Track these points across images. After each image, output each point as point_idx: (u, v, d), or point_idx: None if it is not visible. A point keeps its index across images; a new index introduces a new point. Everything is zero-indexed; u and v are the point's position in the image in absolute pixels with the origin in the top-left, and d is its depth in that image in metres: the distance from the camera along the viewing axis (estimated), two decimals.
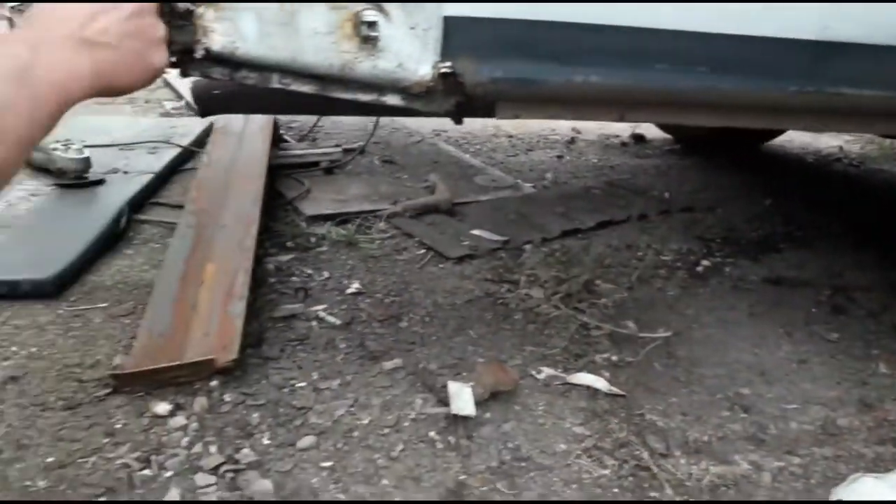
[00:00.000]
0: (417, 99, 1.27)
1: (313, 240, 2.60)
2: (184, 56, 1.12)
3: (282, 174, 3.12)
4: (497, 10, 1.17)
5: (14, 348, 1.79)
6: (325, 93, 1.26)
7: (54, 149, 2.62)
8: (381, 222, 2.77)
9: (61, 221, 2.39)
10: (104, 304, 2.03)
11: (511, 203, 3.05)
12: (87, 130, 3.15)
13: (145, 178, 2.83)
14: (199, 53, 1.12)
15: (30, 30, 0.84)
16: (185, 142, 3.38)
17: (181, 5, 1.08)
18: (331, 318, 2.03)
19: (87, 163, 2.65)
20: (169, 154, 3.20)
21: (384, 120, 4.06)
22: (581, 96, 1.29)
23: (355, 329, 1.99)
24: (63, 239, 2.20)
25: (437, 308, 2.15)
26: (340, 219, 2.76)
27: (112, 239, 2.44)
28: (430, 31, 1.17)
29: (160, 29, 0.97)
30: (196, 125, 3.57)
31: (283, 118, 3.79)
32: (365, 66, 1.18)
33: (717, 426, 1.65)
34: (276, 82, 1.23)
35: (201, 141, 3.42)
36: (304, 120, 3.99)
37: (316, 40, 1.15)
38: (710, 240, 2.80)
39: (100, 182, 2.69)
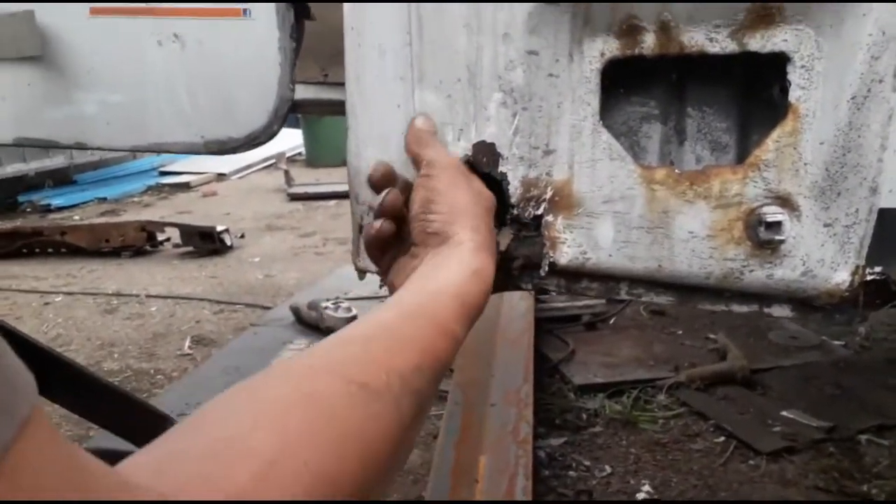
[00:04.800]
0: (817, 311, 0.93)
1: (585, 416, 2.26)
2: (522, 270, 0.89)
3: (542, 329, 2.86)
4: None
5: None
6: (684, 304, 0.96)
7: (325, 307, 2.62)
8: (662, 394, 2.37)
9: None
10: None
11: (824, 370, 2.49)
12: (354, 282, 3.18)
13: None
14: (543, 270, 0.88)
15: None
16: None
17: (530, 210, 0.86)
18: None
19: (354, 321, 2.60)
20: None
21: None
22: None
23: None
24: None
25: None
26: (613, 389, 2.41)
27: None
28: (853, 229, 0.84)
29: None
30: None
31: None
32: (757, 275, 0.87)
33: None
34: (623, 294, 0.96)
35: None
36: None
37: (691, 246, 0.86)
38: None
39: None
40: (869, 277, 0.86)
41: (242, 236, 4.70)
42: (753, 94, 0.89)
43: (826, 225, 0.84)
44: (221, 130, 1.08)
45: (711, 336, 2.74)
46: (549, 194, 0.87)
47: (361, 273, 0.98)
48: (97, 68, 1.08)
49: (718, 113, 0.92)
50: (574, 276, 0.94)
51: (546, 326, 2.90)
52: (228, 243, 4.41)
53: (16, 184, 6.02)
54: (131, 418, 0.97)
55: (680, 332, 2.89)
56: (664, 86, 0.92)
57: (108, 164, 7.08)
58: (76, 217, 5.67)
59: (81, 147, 1.15)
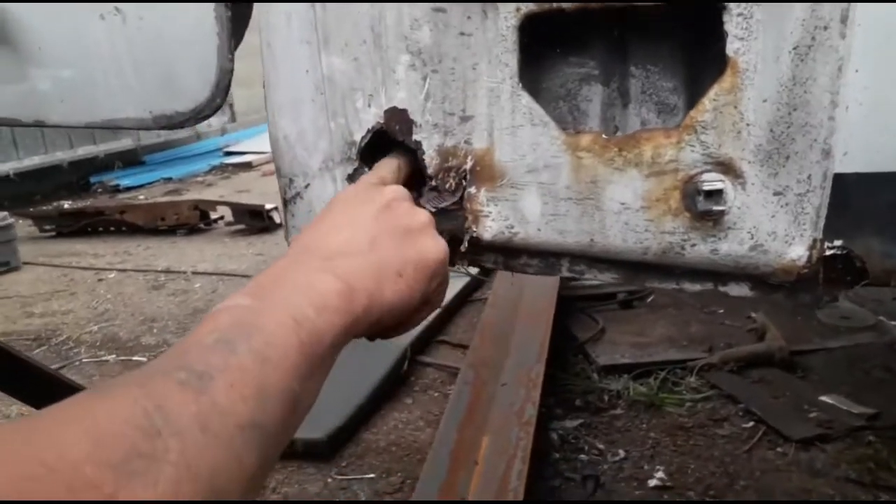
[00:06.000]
0: (776, 289, 0.83)
1: (607, 398, 2.18)
2: (451, 246, 0.84)
3: (574, 308, 2.77)
4: None
5: None
6: (634, 283, 0.88)
7: None
8: (692, 377, 2.25)
9: (340, 366, 2.31)
10: (372, 475, 1.83)
11: (876, 353, 2.31)
12: None
13: (431, 315, 2.69)
14: (463, 246, 0.82)
15: (262, 273, 0.58)
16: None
17: (450, 181, 0.80)
18: None
19: None
20: (459, 283, 3.05)
21: None
22: None
23: None
24: (341, 389, 2.09)
25: None
26: (640, 370, 2.30)
27: (392, 383, 2.29)
28: (806, 197, 0.74)
29: (418, 216, 0.69)
30: None
31: None
32: (700, 249, 0.78)
33: None
34: (565, 271, 0.89)
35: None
36: None
37: (623, 218, 0.79)
38: None
39: None
40: (829, 252, 0.76)
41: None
42: (702, 49, 0.79)
43: (776, 193, 0.75)
44: (168, 105, 1.06)
45: (753, 315, 2.59)
46: (469, 164, 0.80)
47: None
48: (47, 45, 1.08)
49: (664, 72, 0.83)
50: (511, 252, 0.88)
51: (579, 305, 2.80)
52: (277, 221, 4.47)
53: (87, 165, 6.31)
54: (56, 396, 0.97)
55: (721, 311, 2.74)
56: (604, 43, 0.83)
57: (175, 145, 7.31)
58: (142, 196, 5.90)
59: (40, 125, 1.16)
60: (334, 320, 0.54)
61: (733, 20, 0.71)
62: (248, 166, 7.20)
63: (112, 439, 0.38)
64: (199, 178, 6.72)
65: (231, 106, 7.84)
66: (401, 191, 0.68)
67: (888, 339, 2.42)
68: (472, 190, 0.81)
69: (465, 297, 3.03)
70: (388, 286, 0.61)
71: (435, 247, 0.68)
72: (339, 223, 0.64)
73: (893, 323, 2.52)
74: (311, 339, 0.51)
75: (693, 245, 0.78)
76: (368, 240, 0.62)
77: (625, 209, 0.78)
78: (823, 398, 2.05)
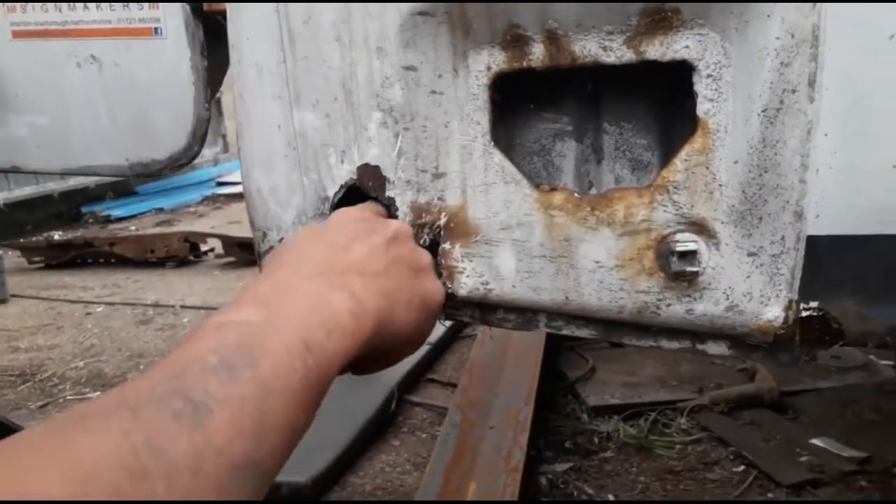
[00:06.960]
0: (755, 349, 0.82)
1: (597, 440, 2.15)
2: None
3: (563, 346, 2.75)
4: None
5: None
6: (612, 339, 0.87)
7: None
8: (683, 418, 2.23)
9: (327, 406, 2.28)
10: None
11: (866, 394, 2.29)
12: None
13: (420, 352, 2.67)
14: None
15: (268, 278, 0.57)
16: None
17: (424, 237, 0.79)
18: None
19: None
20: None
21: None
22: None
23: None
24: (327, 429, 2.05)
25: None
26: (630, 411, 2.28)
27: (380, 424, 2.26)
28: (781, 259, 0.73)
29: (424, 256, 0.72)
30: None
31: None
32: (675, 309, 0.77)
33: None
34: (542, 326, 0.87)
35: None
36: None
37: (598, 277, 0.78)
38: None
39: None
40: (805, 313, 0.75)
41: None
42: (675, 106, 0.79)
43: (750, 254, 0.74)
44: (144, 153, 1.06)
45: None
46: (443, 220, 0.80)
47: None
48: (24, 91, 1.07)
49: (638, 128, 0.83)
50: (487, 308, 0.86)
51: (567, 343, 2.78)
52: None
53: (79, 195, 6.31)
54: None
55: None
56: (578, 99, 0.83)
57: (168, 175, 7.32)
58: (133, 227, 5.88)
59: (17, 170, 1.16)
60: (345, 343, 0.52)
61: (703, 81, 0.70)
62: (239, 197, 7.19)
63: (93, 482, 0.35)
64: (191, 209, 6.72)
65: (224, 136, 7.90)
66: (406, 228, 0.71)
67: (878, 380, 2.40)
68: (447, 246, 0.80)
69: (454, 334, 3.01)
70: (398, 313, 0.61)
71: (439, 288, 0.72)
72: (352, 241, 0.62)
73: (883, 362, 2.51)
74: (319, 365, 0.49)
75: (668, 305, 0.77)
76: (384, 265, 0.62)
77: (599, 268, 0.77)
78: (815, 441, 2.03)
